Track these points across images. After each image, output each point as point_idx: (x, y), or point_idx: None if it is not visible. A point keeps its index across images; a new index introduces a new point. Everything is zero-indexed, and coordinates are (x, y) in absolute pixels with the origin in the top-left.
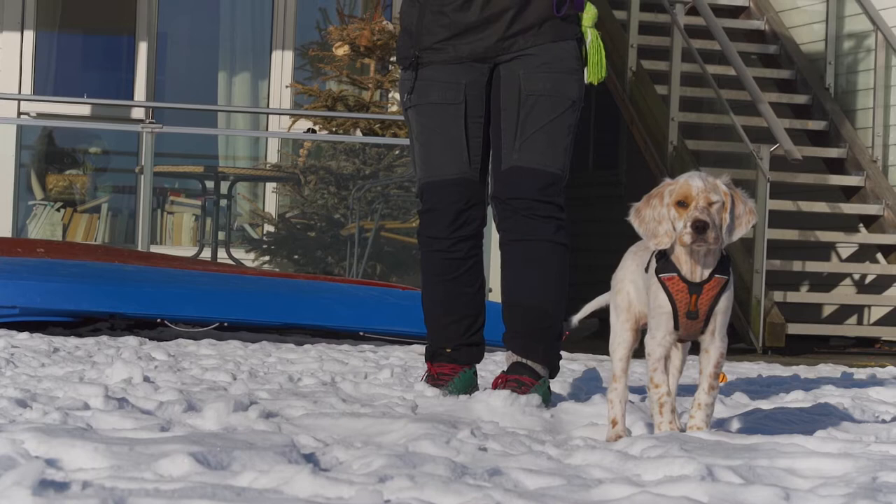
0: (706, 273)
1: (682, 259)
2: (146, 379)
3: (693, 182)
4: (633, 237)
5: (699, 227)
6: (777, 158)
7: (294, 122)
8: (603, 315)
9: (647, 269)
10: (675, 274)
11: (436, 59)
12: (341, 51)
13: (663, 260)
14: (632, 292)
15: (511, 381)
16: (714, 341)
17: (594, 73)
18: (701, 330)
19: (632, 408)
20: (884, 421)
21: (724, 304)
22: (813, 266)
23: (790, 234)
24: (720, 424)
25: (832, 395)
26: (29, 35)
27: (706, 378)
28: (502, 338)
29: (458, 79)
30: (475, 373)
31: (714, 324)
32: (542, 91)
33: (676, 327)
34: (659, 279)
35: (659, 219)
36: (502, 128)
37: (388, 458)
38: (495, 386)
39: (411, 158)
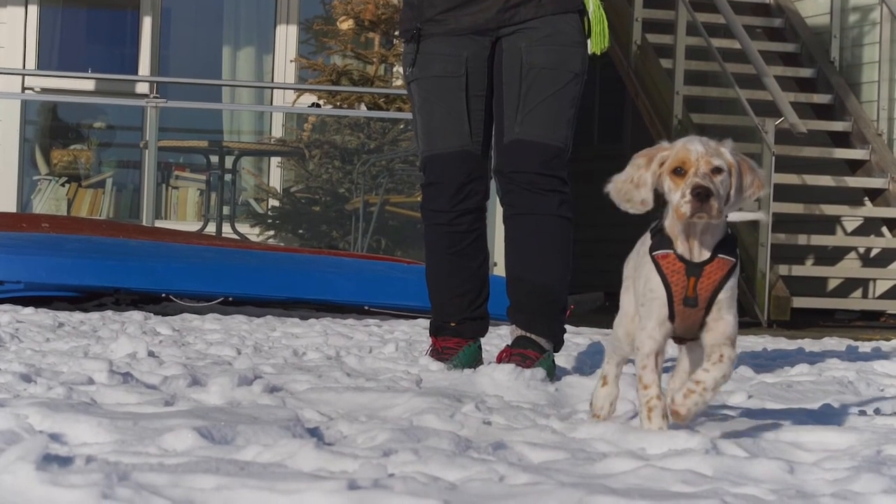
0: (706, 253)
1: (676, 235)
2: (150, 354)
3: (692, 146)
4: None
5: (700, 195)
6: (782, 132)
7: (298, 97)
8: (609, 290)
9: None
10: (670, 251)
11: (437, 31)
12: (346, 25)
13: (658, 237)
14: None
15: (515, 354)
16: (721, 316)
17: (597, 42)
18: (700, 323)
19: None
20: (889, 394)
21: (728, 291)
22: (818, 240)
23: (795, 208)
24: (725, 398)
25: (837, 369)
26: (33, 10)
27: (717, 348)
28: (506, 312)
29: (460, 52)
30: (479, 347)
31: (716, 311)
32: (544, 64)
33: (671, 317)
34: (652, 258)
35: (637, 182)
36: (504, 101)
37: (393, 432)
38: (500, 360)
39: (414, 132)
